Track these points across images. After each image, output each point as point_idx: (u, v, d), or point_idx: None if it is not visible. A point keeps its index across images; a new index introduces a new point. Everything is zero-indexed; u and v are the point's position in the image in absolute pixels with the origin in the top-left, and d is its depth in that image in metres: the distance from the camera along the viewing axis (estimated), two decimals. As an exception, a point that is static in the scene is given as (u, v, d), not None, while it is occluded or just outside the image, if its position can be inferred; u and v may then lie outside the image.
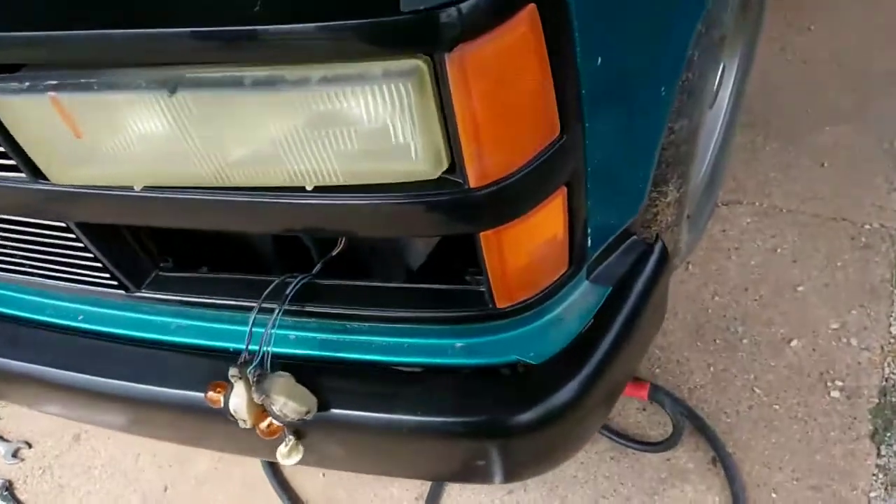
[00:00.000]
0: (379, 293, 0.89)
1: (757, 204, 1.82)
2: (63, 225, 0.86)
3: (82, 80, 0.64)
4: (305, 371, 0.87)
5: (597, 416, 0.99)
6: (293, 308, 0.89)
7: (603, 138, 0.75)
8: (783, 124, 2.01)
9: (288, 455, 0.90)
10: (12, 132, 0.70)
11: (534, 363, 0.86)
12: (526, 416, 0.84)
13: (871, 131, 1.95)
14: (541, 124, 0.67)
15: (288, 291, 0.88)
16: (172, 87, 0.61)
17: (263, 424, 0.85)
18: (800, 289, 1.62)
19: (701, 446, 1.40)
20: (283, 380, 0.83)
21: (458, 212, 0.69)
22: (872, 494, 1.31)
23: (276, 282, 0.89)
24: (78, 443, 1.62)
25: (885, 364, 1.47)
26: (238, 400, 0.83)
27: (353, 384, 0.88)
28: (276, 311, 0.86)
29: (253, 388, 0.81)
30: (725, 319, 1.58)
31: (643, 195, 0.94)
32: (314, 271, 0.91)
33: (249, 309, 0.88)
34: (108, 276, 0.92)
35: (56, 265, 0.95)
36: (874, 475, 1.33)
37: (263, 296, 0.87)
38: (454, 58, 0.55)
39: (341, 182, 0.67)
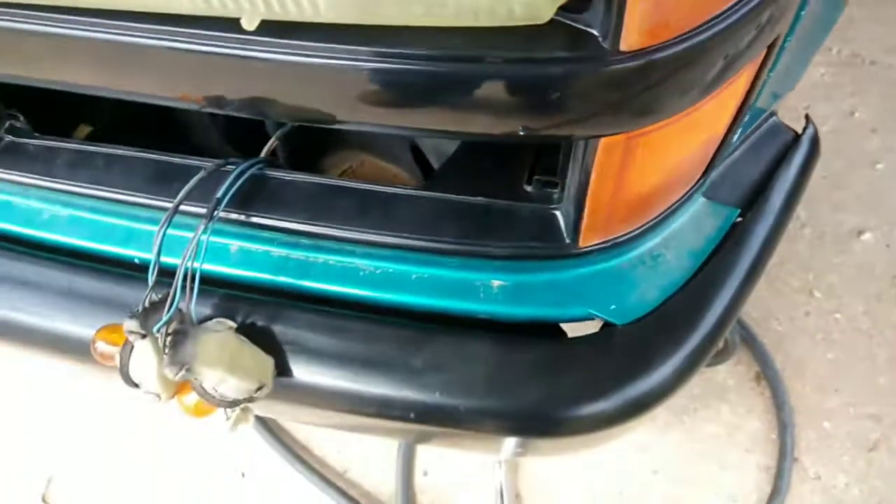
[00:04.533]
0: (373, 200, 0.55)
1: (834, 51, 1.45)
2: None
3: None
4: (255, 315, 0.54)
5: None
6: (234, 213, 0.54)
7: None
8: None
9: (234, 427, 0.59)
10: None
11: (617, 322, 0.55)
12: (598, 409, 0.54)
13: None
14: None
15: (227, 183, 0.53)
16: None
17: (189, 400, 0.53)
18: (879, 167, 1.31)
19: (744, 359, 1.15)
20: (215, 341, 0.50)
21: (584, 97, 0.34)
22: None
23: (211, 167, 0.54)
24: None
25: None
26: (142, 365, 0.50)
27: (333, 339, 0.56)
28: (210, 211, 0.51)
29: (165, 359, 0.49)
30: (784, 200, 1.28)
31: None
32: (264, 153, 0.56)
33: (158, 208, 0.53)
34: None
35: None
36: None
37: (188, 188, 0.52)
38: None
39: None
